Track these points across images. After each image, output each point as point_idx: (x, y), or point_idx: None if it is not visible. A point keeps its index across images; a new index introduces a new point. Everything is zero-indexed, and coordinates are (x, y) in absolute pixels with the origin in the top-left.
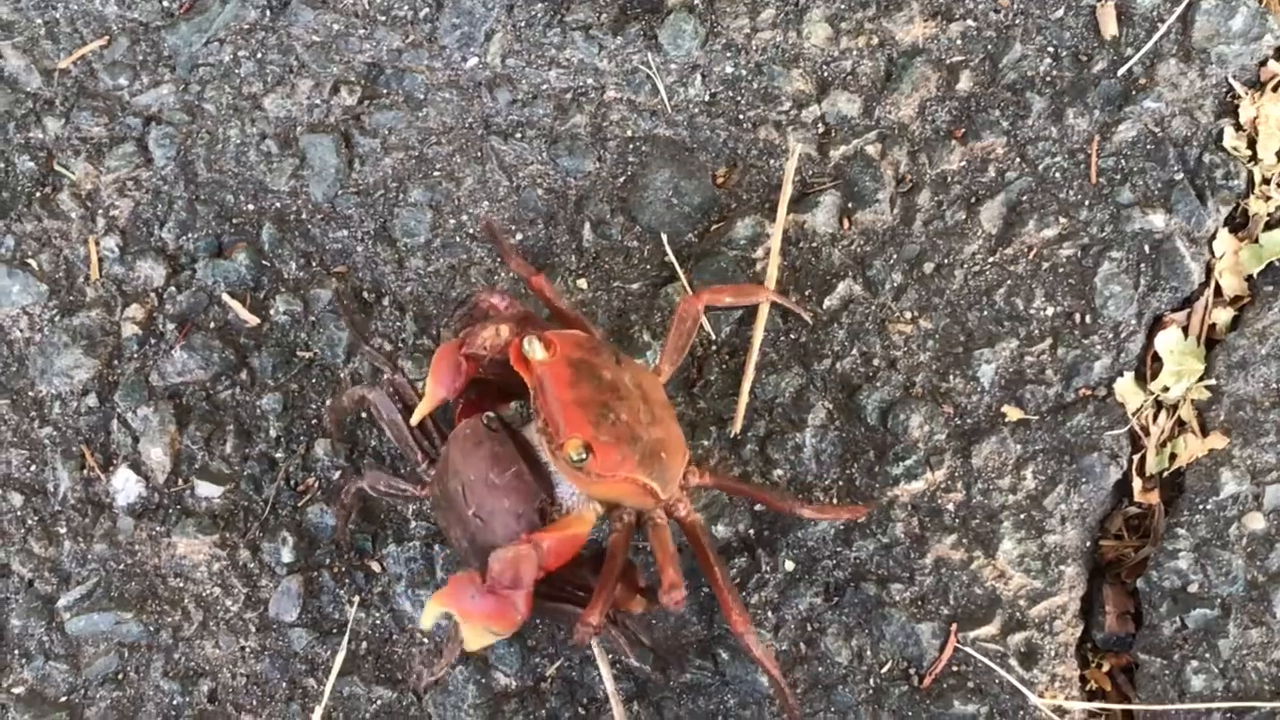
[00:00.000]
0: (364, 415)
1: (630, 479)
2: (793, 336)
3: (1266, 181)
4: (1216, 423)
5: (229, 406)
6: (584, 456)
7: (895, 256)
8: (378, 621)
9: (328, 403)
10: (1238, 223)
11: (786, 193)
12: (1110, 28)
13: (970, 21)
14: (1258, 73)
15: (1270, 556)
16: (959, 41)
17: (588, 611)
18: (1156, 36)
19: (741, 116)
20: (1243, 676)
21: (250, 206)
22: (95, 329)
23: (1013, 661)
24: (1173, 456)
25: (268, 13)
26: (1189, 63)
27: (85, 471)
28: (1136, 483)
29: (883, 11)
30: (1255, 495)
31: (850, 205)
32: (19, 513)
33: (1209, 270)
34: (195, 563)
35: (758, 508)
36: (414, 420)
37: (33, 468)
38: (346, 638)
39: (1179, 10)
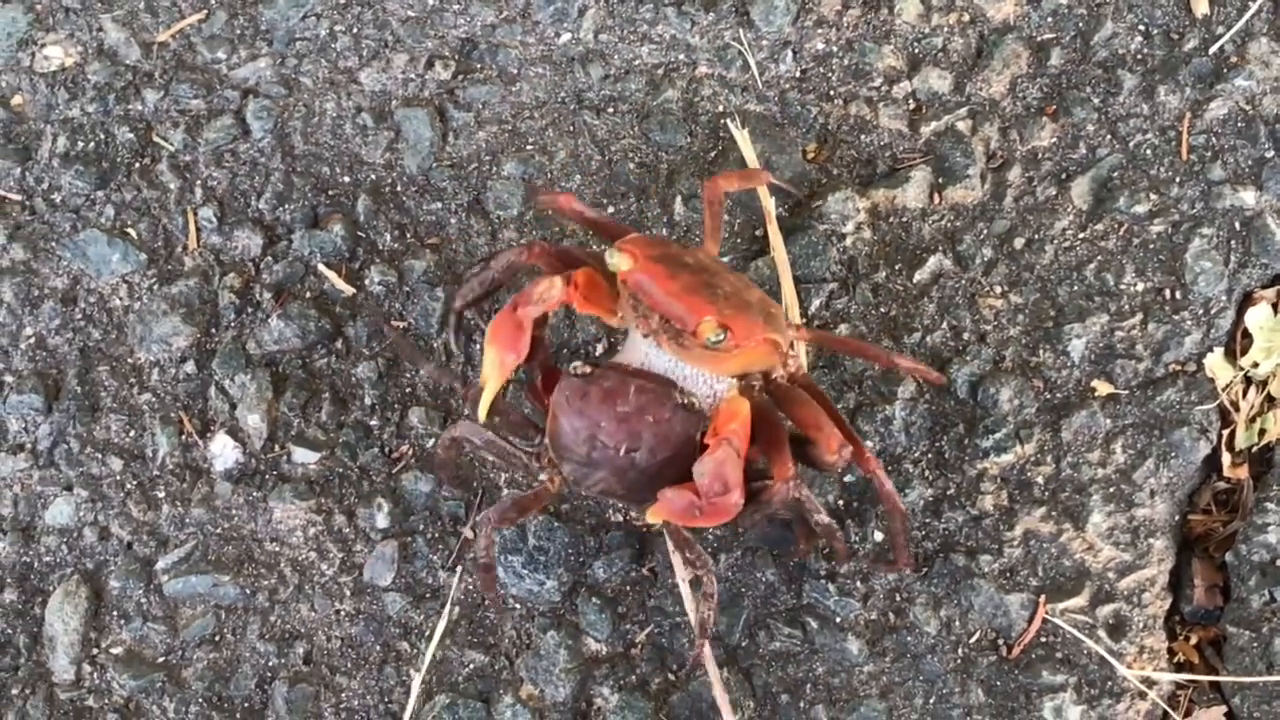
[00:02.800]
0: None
1: (765, 339)
2: (883, 310)
3: None
4: None
5: (325, 375)
6: (721, 336)
7: (985, 231)
8: (470, 587)
9: (437, 449)
10: None
11: (774, 227)
12: (1202, 6)
13: None
14: None
15: None
16: (1050, 19)
17: (779, 469)
18: (1248, 15)
19: (832, 92)
20: None
21: (346, 178)
22: (193, 297)
23: (1101, 633)
24: (1262, 432)
25: None
26: None
27: (183, 437)
28: (1225, 458)
29: None
30: None
31: (941, 180)
32: (118, 477)
33: None
34: (291, 527)
35: (848, 478)
36: (484, 403)
37: (132, 433)
38: (448, 605)
39: None
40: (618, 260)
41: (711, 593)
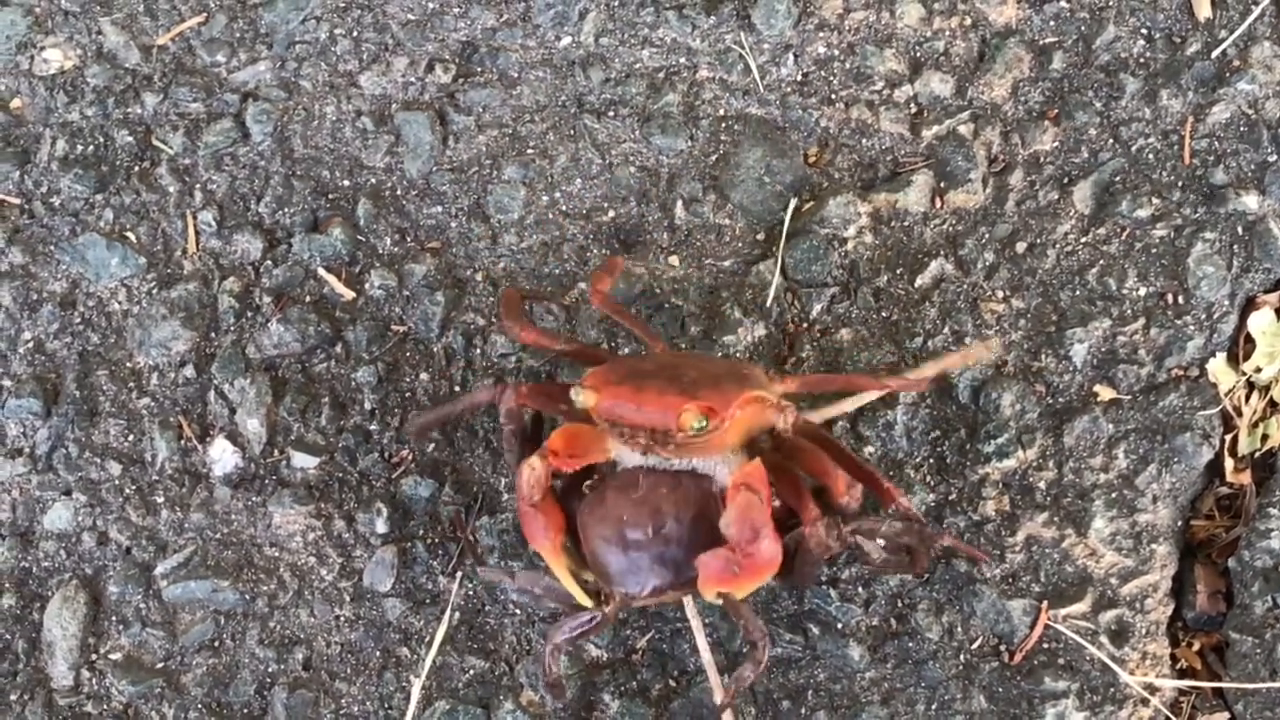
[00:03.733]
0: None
1: (746, 399)
2: (884, 314)
3: None
4: None
5: (324, 379)
6: (703, 420)
7: (987, 236)
8: (470, 592)
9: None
10: None
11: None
12: (1204, 10)
13: (1063, 3)
14: None
15: None
16: (1052, 23)
17: (805, 514)
18: (1251, 19)
19: (834, 96)
20: None
21: (346, 182)
22: (193, 301)
23: (1103, 639)
24: (1264, 437)
25: None
26: None
27: (182, 442)
28: (1228, 463)
29: None
30: None
31: (942, 185)
32: (117, 482)
33: None
34: (291, 532)
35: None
36: (572, 589)
37: (130, 438)
38: (448, 610)
39: None
40: (583, 399)
41: (760, 659)
